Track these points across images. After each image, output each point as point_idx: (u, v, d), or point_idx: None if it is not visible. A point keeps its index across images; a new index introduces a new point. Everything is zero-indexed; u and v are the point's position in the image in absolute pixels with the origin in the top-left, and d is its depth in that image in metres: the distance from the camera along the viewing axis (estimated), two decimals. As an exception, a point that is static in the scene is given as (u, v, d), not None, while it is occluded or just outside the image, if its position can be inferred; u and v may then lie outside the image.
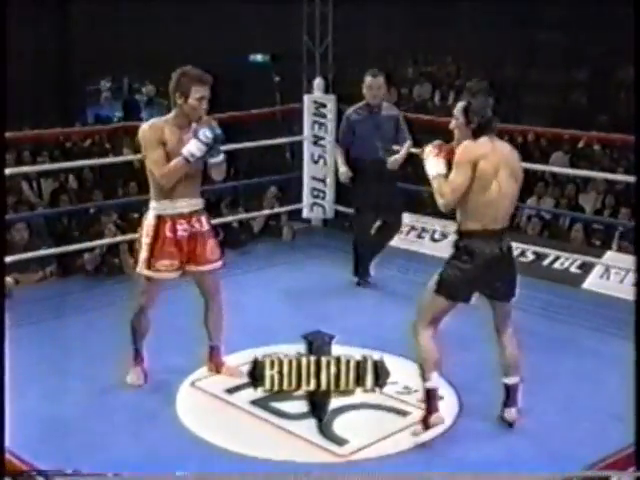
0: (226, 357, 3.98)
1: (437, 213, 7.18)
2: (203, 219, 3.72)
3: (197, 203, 3.70)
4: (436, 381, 3.34)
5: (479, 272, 3.27)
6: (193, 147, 3.47)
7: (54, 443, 3.24)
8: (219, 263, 3.77)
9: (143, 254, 3.66)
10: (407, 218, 6.66)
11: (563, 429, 3.51)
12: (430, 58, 11.54)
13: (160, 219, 3.63)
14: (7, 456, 2.04)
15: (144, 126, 3.65)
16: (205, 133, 3.46)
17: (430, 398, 3.34)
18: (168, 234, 3.62)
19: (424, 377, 3.33)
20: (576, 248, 5.97)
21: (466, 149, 3.19)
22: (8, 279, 5.30)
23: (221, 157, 3.60)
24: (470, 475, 2.79)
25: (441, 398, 3.73)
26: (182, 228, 3.63)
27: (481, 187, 3.17)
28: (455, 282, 3.29)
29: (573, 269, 5.64)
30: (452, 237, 6.25)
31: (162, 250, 3.62)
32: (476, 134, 3.20)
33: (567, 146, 8.32)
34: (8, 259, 5.31)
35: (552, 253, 5.74)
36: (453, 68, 11.30)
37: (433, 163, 3.27)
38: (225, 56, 10.73)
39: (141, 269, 3.69)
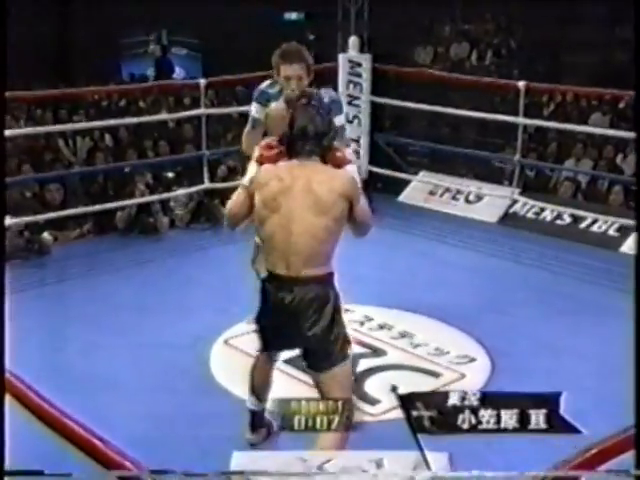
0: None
1: (473, 175, 7.17)
2: None
3: None
4: (254, 404, 3.06)
5: (276, 318, 2.66)
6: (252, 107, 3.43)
7: (90, 397, 3.31)
8: None
9: None
10: (442, 179, 6.61)
11: (596, 391, 3.49)
12: (468, 16, 11.29)
13: None
14: (46, 407, 2.11)
15: None
16: (259, 90, 3.43)
17: (252, 418, 3.09)
18: None
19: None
20: (614, 211, 5.86)
21: (255, 174, 2.67)
22: (47, 236, 5.41)
23: (339, 121, 3.30)
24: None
25: (473, 360, 3.75)
26: None
27: (260, 220, 2.61)
28: (263, 327, 2.76)
29: (611, 232, 5.56)
30: (487, 199, 6.26)
31: None
32: (289, 155, 2.67)
33: (607, 107, 8.13)
34: (46, 216, 5.40)
35: (589, 216, 5.65)
36: (492, 26, 11.05)
37: (248, 169, 2.75)
38: (260, 14, 10.63)
39: None
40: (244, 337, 3.96)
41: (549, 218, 5.88)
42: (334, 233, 2.60)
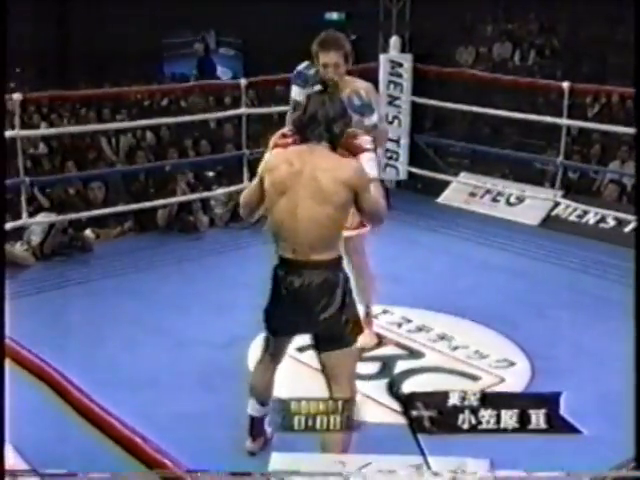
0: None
1: (514, 176, 7.08)
2: None
3: None
4: (255, 409, 3.01)
5: (286, 303, 2.67)
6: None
7: (130, 395, 3.35)
8: (353, 232, 3.64)
9: None
10: (482, 181, 6.54)
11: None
12: (511, 15, 11.16)
13: None
14: (86, 401, 2.14)
15: None
16: (297, 72, 3.48)
17: (252, 424, 3.03)
18: None
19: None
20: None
21: (265, 159, 2.70)
22: (90, 234, 5.49)
23: (371, 120, 3.25)
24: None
25: (513, 364, 3.71)
26: None
27: (269, 205, 2.64)
28: (272, 314, 2.75)
29: (656, 237, 5.45)
30: (529, 201, 6.18)
31: None
32: (301, 140, 2.67)
33: (653, 108, 7.96)
34: (88, 214, 5.49)
35: (634, 219, 5.54)
36: (535, 26, 10.90)
37: (264, 159, 2.78)
38: (301, 14, 10.65)
39: None
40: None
41: (592, 221, 5.79)
42: (337, 221, 2.61)
